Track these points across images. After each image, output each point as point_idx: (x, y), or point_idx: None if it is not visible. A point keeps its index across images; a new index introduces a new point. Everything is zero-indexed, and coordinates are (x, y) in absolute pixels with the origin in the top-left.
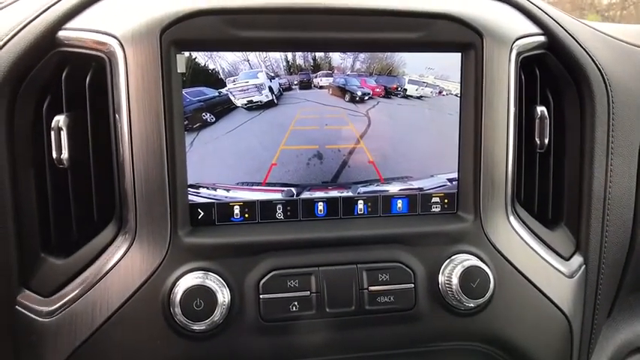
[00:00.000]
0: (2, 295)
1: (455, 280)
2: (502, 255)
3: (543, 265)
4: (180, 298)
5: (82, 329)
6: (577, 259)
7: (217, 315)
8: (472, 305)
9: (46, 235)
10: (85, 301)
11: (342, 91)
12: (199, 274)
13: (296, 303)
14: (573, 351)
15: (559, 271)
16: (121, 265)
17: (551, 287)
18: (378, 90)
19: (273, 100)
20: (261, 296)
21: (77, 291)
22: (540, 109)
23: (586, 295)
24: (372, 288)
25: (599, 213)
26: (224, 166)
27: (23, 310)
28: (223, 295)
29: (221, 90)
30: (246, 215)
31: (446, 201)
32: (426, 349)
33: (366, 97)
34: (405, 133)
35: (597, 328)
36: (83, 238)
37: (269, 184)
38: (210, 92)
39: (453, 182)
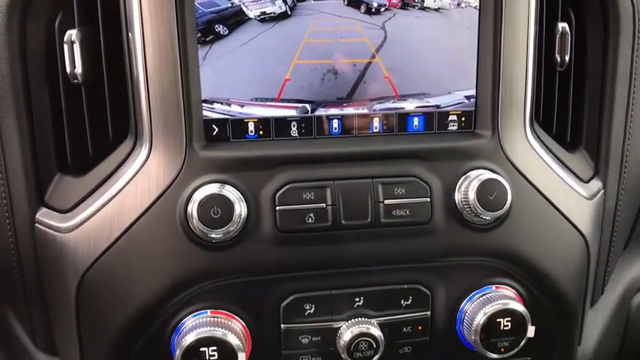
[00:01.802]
0: (22, 214)
1: (472, 194)
2: (520, 172)
3: (562, 185)
4: (198, 207)
5: (100, 242)
6: (596, 184)
7: (234, 225)
8: (489, 219)
9: (62, 155)
10: (102, 215)
11: (358, 2)
12: (216, 185)
13: (312, 215)
14: (589, 273)
15: (577, 192)
16: (137, 178)
17: (569, 207)
18: (394, 1)
19: (286, 11)
20: (277, 208)
21: (95, 206)
22: (562, 26)
23: (604, 221)
24: (387, 201)
25: (620, 137)
26: (238, 80)
27: (43, 228)
28: (240, 206)
29: (233, 1)
30: (261, 132)
31: (463, 119)
32: (441, 263)
33: (382, 9)
34: (422, 47)
35: (614, 257)
36: (99, 156)
37: (283, 100)
38: (223, 3)
39: (471, 100)
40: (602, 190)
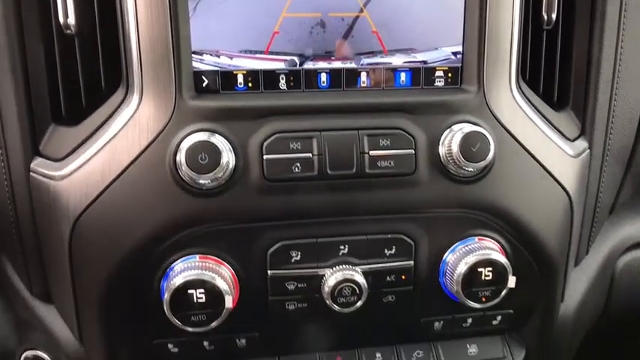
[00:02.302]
0: (17, 164)
1: (455, 146)
2: (504, 127)
3: (546, 141)
4: (186, 153)
5: (93, 189)
6: (581, 143)
7: (222, 172)
8: (472, 170)
9: (56, 106)
10: (95, 163)
11: None
12: (204, 134)
13: (298, 164)
14: (573, 230)
15: (562, 149)
16: (128, 127)
17: (553, 164)
18: None
19: None
20: (264, 157)
21: (87, 154)
22: None
23: (589, 181)
24: (372, 152)
25: (607, 97)
26: (227, 32)
27: (37, 176)
28: (228, 153)
29: None
30: (250, 85)
31: (450, 75)
32: (425, 214)
33: None
34: (409, 3)
35: (599, 219)
36: (92, 107)
37: (272, 53)
38: None
39: (457, 56)
40: (588, 150)
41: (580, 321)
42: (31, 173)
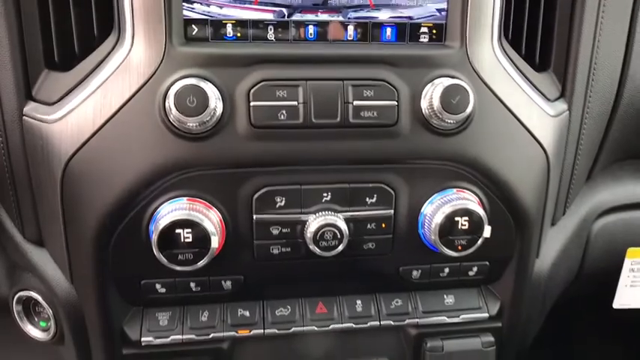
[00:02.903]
0: (10, 108)
1: (436, 98)
2: (485, 83)
3: (526, 100)
4: (175, 96)
5: (84, 131)
6: (561, 105)
7: (209, 116)
8: (452, 122)
9: (49, 52)
10: (86, 106)
11: None
12: (193, 79)
13: (284, 111)
14: (549, 187)
15: (542, 108)
16: (119, 71)
17: (532, 121)
18: None
19: None
20: (251, 103)
21: (79, 98)
22: None
23: (568, 143)
24: (356, 102)
25: (587, 60)
26: None
27: (30, 120)
28: (215, 99)
29: None
30: (239, 34)
31: (434, 32)
32: (405, 165)
33: None
34: None
35: (577, 181)
36: (84, 53)
37: (261, 4)
38: None
39: (442, 13)
40: (567, 112)
41: (554, 279)
42: (24, 117)
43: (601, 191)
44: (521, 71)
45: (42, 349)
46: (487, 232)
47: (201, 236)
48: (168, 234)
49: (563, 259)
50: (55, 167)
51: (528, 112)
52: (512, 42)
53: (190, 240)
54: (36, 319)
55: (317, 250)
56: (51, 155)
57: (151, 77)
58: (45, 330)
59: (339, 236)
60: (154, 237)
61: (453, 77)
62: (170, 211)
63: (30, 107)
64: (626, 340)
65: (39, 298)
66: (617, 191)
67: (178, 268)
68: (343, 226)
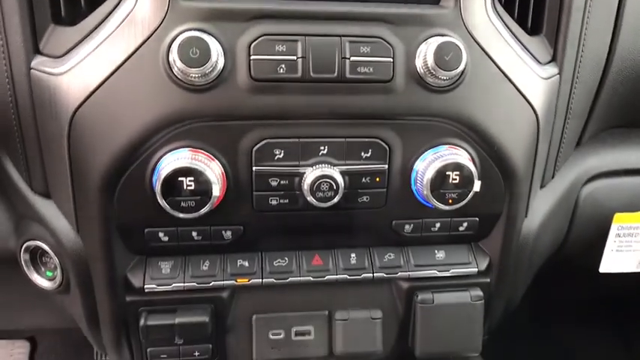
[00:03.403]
0: (18, 62)
1: (430, 55)
2: (477, 42)
3: (517, 60)
4: (179, 47)
5: (91, 82)
6: (552, 69)
7: (211, 68)
8: (445, 79)
9: (56, 7)
10: (93, 58)
11: None
12: (196, 32)
13: (283, 66)
14: (538, 147)
15: (533, 70)
16: (124, 24)
17: (523, 82)
18: None
19: None
20: (251, 57)
21: (86, 50)
22: None
23: (557, 107)
24: (353, 58)
25: (578, 25)
26: None
27: (38, 73)
28: (217, 52)
29: None
30: None
31: None
32: (400, 121)
33: None
34: None
35: (566, 146)
36: (90, 8)
37: None
38: None
39: None
40: (558, 75)
41: (542, 239)
42: (31, 71)
43: (590, 157)
44: (513, 33)
45: (44, 300)
46: (477, 186)
47: (203, 184)
48: (172, 182)
49: (552, 221)
50: (62, 119)
51: (519, 73)
52: (505, 6)
53: (193, 188)
54: (42, 268)
55: (314, 201)
56: (58, 107)
57: (155, 30)
58: (51, 279)
59: (334, 187)
60: (158, 184)
61: (446, 35)
62: (173, 159)
63: (37, 61)
64: (612, 309)
65: (46, 247)
66: (605, 157)
67: (181, 215)
68: (339, 178)
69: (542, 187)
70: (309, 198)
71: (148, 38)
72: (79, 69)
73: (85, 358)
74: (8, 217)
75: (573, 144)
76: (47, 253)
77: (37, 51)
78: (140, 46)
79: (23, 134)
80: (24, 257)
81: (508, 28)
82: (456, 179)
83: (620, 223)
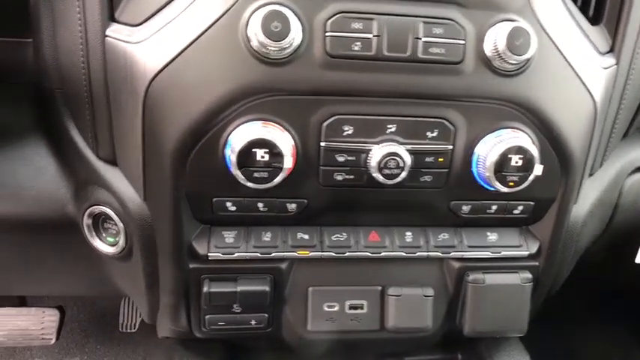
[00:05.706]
0: (94, 29)
1: (502, 40)
2: (544, 29)
3: (580, 50)
4: (262, 19)
5: (168, 52)
6: (610, 59)
7: (289, 42)
8: (514, 63)
9: None
10: (170, 28)
11: None
12: (277, 6)
13: (358, 43)
14: (593, 137)
15: (594, 60)
16: None
17: (584, 71)
18: None
19: None
20: (327, 34)
21: (163, 19)
22: None
23: (612, 97)
24: (425, 39)
25: (638, 17)
26: None
27: (114, 40)
28: (296, 26)
29: None
30: None
31: None
32: (466, 103)
33: None
34: None
35: (615, 136)
36: None
37: None
38: None
39: None
40: (615, 66)
41: (588, 227)
42: (107, 38)
43: (636, 149)
44: (577, 22)
45: (99, 267)
46: (538, 169)
47: (277, 156)
48: (246, 153)
49: (598, 209)
50: (138, 87)
51: (581, 62)
52: None
53: (267, 159)
54: (103, 234)
55: (380, 178)
56: (134, 75)
57: (235, 2)
58: (112, 245)
59: (401, 165)
60: (233, 155)
61: (516, 21)
62: (247, 131)
63: (113, 28)
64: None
65: (111, 213)
66: None
67: (253, 185)
68: (406, 156)
69: (590, 175)
70: (376, 174)
71: (228, 10)
72: (156, 38)
73: (109, 329)
74: (67, 184)
75: (621, 135)
76: (111, 218)
77: (113, 19)
78: (220, 17)
79: (94, 101)
80: (86, 222)
81: (573, 16)
82: (518, 162)
83: None
